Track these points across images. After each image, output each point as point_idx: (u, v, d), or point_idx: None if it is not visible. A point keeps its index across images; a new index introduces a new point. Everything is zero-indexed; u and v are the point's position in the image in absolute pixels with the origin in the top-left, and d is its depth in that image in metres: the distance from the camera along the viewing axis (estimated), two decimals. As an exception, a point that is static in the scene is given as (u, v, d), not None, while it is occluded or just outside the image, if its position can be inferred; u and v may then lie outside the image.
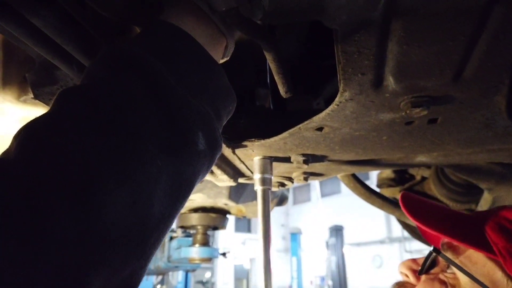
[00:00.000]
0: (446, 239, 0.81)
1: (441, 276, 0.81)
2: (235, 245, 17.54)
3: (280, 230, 20.42)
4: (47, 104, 0.80)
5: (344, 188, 17.86)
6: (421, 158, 1.14)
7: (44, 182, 0.39)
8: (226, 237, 17.33)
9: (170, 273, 8.20)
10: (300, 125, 0.89)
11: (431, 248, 0.84)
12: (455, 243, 0.78)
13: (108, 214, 0.41)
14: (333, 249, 12.78)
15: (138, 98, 0.49)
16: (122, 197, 0.43)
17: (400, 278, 0.93)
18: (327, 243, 13.39)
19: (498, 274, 0.72)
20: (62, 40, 0.56)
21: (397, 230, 15.36)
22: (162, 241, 0.52)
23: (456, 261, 0.77)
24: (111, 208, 0.42)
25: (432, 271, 0.84)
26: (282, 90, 0.83)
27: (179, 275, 8.56)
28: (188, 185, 0.55)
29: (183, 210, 1.95)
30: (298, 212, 20.88)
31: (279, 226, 20.45)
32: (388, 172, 1.83)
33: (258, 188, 1.04)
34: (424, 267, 0.84)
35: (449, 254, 0.79)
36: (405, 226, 2.21)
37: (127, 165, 0.45)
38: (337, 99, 0.76)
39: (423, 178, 1.80)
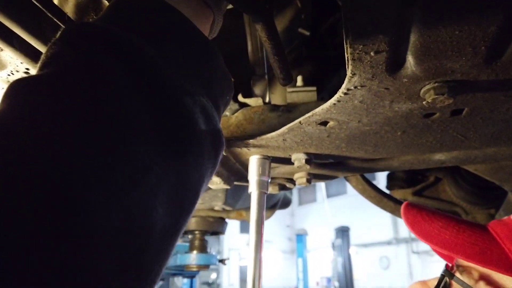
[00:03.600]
0: (460, 258, 0.69)
1: None
2: (240, 246, 17.46)
3: (286, 231, 20.27)
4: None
5: (350, 188, 17.70)
6: (440, 157, 1.01)
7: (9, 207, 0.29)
8: (231, 238, 17.25)
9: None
10: (301, 119, 0.77)
11: (443, 269, 0.71)
12: (470, 263, 0.67)
13: (94, 251, 0.32)
14: (339, 250, 12.66)
15: (121, 90, 0.37)
16: (113, 220, 0.33)
17: None
18: (333, 244, 13.28)
19: None
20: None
21: (404, 230, 15.16)
22: (170, 257, 0.43)
23: (474, 286, 0.65)
24: (97, 242, 0.32)
25: None
26: (279, 77, 0.71)
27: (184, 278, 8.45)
28: (194, 195, 0.44)
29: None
30: (303, 213, 20.70)
31: (285, 227, 20.30)
32: (399, 172, 1.69)
33: (253, 191, 0.92)
34: None
35: (465, 277, 0.67)
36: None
37: (116, 180, 0.34)
38: (344, 85, 0.63)
39: (437, 180, 1.67)
